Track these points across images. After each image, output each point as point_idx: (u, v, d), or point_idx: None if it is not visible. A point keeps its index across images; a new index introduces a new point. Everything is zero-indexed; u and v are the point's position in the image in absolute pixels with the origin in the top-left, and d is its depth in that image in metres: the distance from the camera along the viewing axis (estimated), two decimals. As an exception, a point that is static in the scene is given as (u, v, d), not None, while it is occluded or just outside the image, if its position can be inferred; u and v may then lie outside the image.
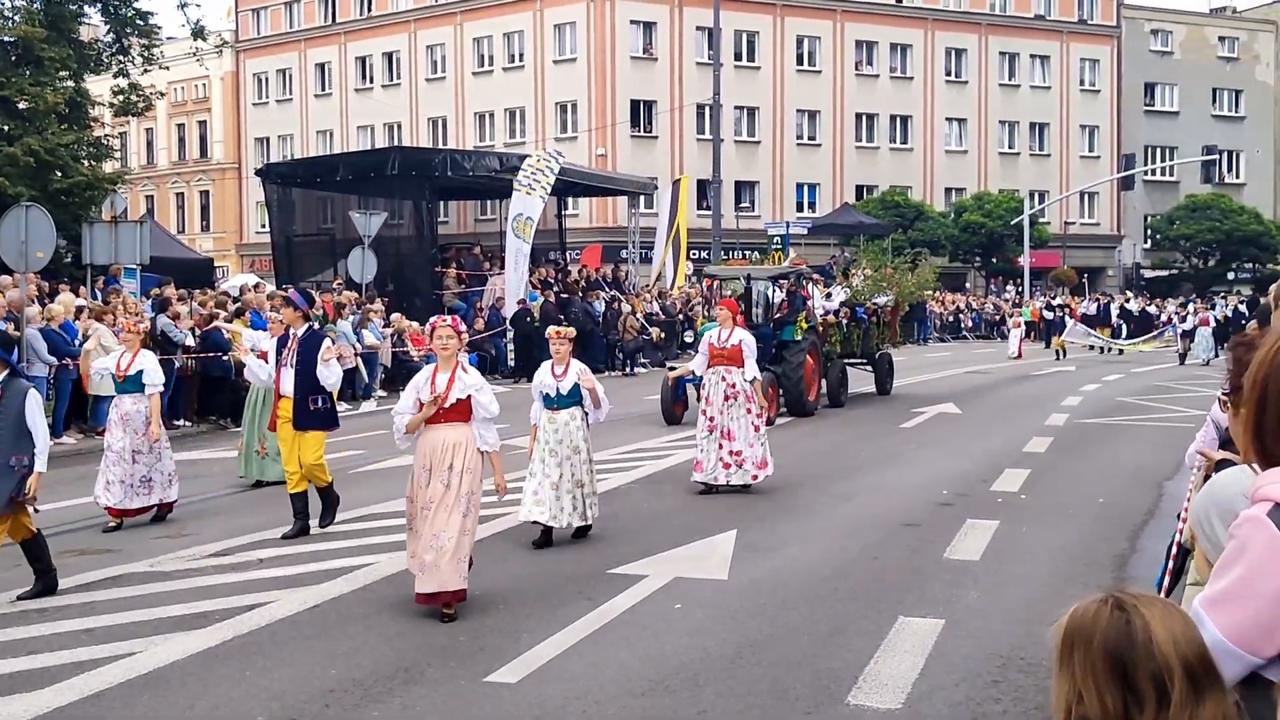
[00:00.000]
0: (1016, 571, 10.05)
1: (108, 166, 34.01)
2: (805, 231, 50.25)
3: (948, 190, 64.17)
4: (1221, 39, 71.66)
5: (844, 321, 24.46)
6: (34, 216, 18.58)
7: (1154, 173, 67.30)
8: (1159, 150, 68.64)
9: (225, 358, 21.19)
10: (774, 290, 22.78)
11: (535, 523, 10.86)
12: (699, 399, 14.50)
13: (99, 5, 31.98)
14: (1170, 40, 70.28)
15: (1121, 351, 43.24)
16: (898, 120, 63.46)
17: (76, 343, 19.09)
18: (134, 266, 24.27)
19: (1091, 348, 43.47)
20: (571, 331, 11.57)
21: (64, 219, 24.76)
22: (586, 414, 11.12)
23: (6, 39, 29.47)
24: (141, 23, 32.53)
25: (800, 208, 60.10)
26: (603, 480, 13.47)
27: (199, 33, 34.09)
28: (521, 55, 59.46)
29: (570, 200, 48.19)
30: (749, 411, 13.84)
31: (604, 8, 56.71)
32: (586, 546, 10.94)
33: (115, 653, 7.71)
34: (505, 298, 32.68)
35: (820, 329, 23.10)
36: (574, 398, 11.01)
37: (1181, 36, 70.55)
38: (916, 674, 7.33)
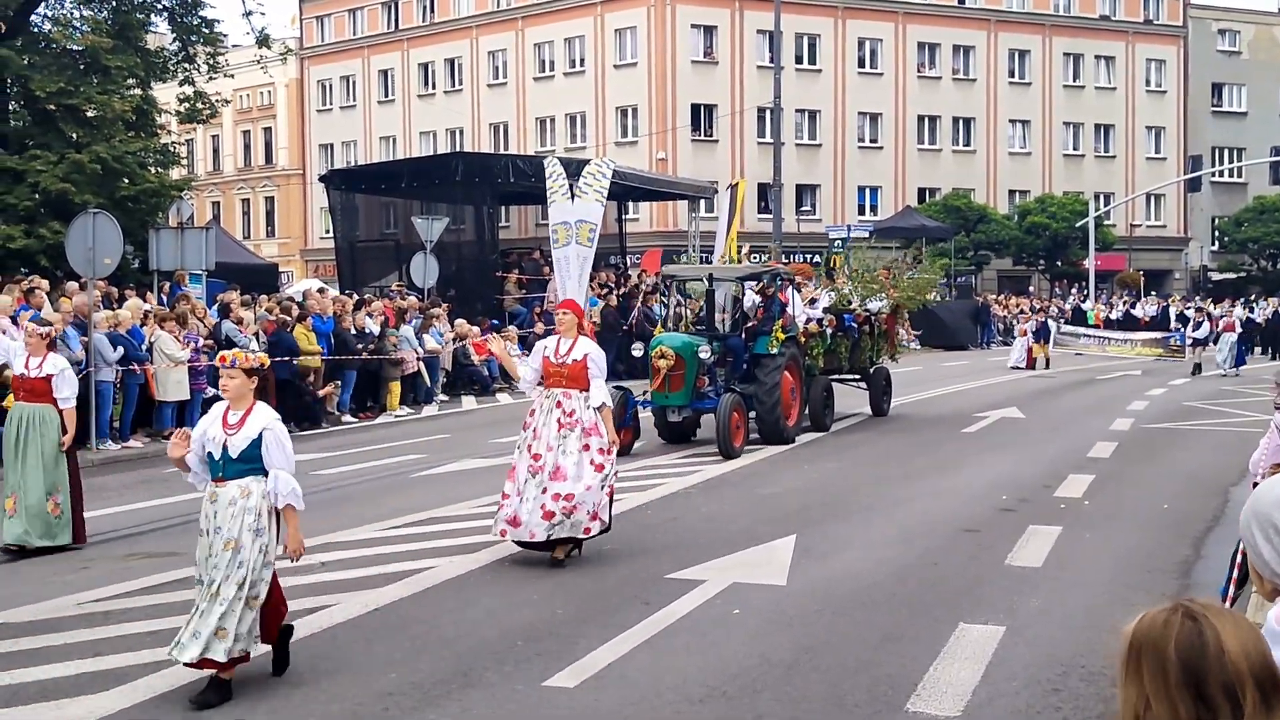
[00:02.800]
0: (1079, 578, 9.94)
1: (174, 173, 34.46)
2: (867, 235, 49.89)
3: (1011, 193, 63.65)
4: (1291, 38, 70.68)
5: (829, 331, 20.69)
6: (101, 223, 18.81)
7: (1221, 174, 66.41)
8: (1226, 151, 67.69)
9: (294, 362, 21.37)
10: (744, 293, 20.24)
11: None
12: (531, 429, 10.64)
13: (166, 14, 32.39)
14: (1238, 40, 69.31)
15: (1106, 348, 40.07)
16: (960, 122, 63.02)
17: (143, 348, 19.33)
18: (200, 272, 24.56)
19: (1079, 354, 39.85)
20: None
21: (131, 225, 25.09)
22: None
23: (74, 48, 29.91)
24: (207, 31, 32.90)
25: (862, 211, 59.85)
26: (657, 486, 13.47)
27: (264, 40, 34.44)
28: (582, 60, 59.62)
29: (630, 205, 48.22)
30: (586, 448, 10.44)
31: (664, 12, 56.75)
32: (644, 551, 10.94)
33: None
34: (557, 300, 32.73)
35: (801, 339, 19.67)
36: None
37: (1250, 36, 69.56)
38: (977, 681, 7.28)
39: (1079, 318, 52.01)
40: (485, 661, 7.71)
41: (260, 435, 7.19)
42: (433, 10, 65.25)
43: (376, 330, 24.39)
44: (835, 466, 16.29)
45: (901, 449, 18.09)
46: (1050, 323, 38.85)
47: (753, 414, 17.97)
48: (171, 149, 33.97)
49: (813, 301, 21.84)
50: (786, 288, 19.99)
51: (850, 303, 21.66)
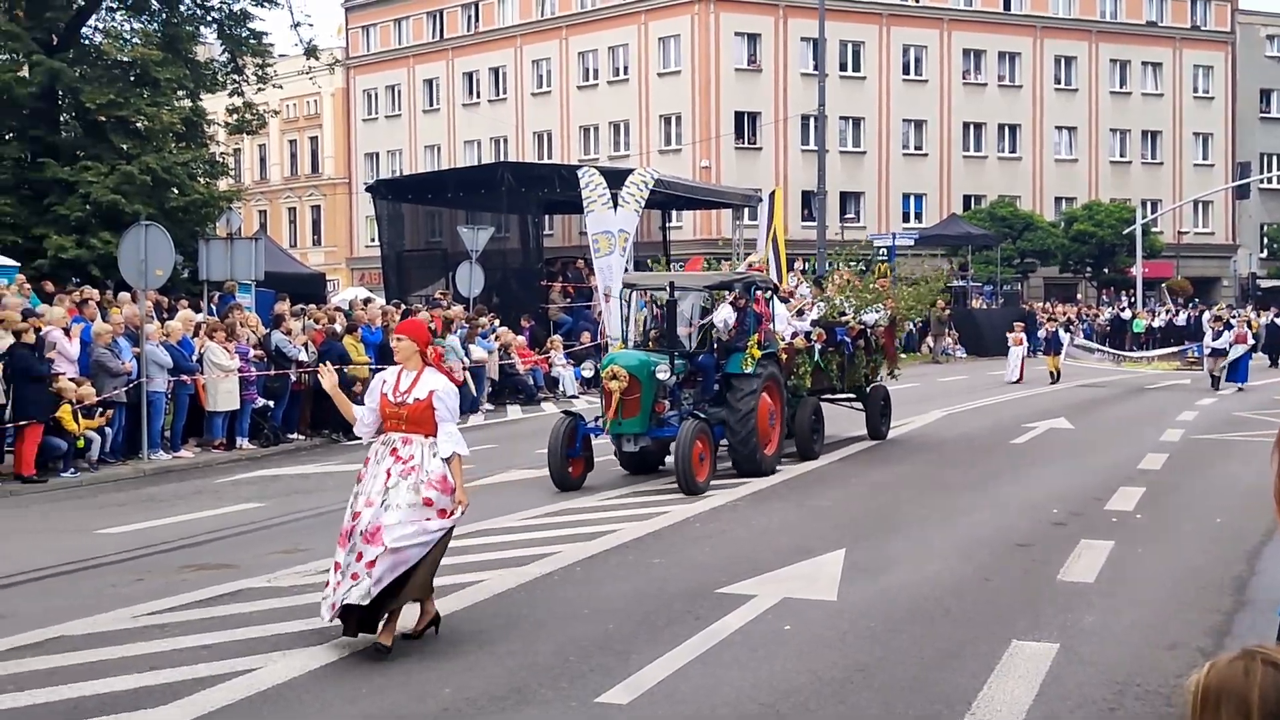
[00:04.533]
0: (1133, 594, 9.87)
1: (223, 184, 34.79)
2: (911, 243, 49.85)
3: (1057, 199, 63.32)
4: (1341, 43, 69.98)
5: (817, 345, 18.61)
6: (153, 235, 19.00)
7: (1270, 181, 65.80)
8: (1275, 158, 67.11)
9: (345, 370, 21.49)
10: (713, 304, 17.35)
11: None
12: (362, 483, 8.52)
13: (215, 26, 32.71)
14: (1287, 45, 68.76)
15: (1121, 364, 37.46)
16: (1006, 129, 62.74)
17: (194, 358, 19.51)
18: (249, 282, 24.76)
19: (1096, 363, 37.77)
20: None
21: (180, 236, 25.32)
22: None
23: (124, 60, 30.24)
24: (255, 42, 33.21)
25: (906, 218, 59.70)
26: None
27: (311, 51, 34.72)
28: (626, 68, 59.75)
29: (673, 213, 48.24)
30: (428, 503, 8.25)
31: (708, 20, 56.78)
32: (693, 565, 10.94)
33: (234, 669, 7.85)
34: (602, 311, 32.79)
35: (783, 356, 17.40)
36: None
37: (1299, 41, 68.99)
38: (1031, 700, 7.23)
39: (1118, 328, 51.33)
40: (539, 677, 7.73)
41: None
42: (477, 19, 65.56)
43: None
44: (884, 479, 16.23)
45: (951, 461, 18.00)
46: (1062, 333, 36.52)
47: (725, 442, 16.07)
48: (220, 159, 34.29)
49: (800, 313, 19.40)
50: (766, 298, 17.33)
51: (843, 314, 19.77)
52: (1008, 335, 34.88)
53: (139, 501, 15.53)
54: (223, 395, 19.68)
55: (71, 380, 17.56)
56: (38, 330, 17.29)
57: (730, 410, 15.91)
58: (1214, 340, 31.99)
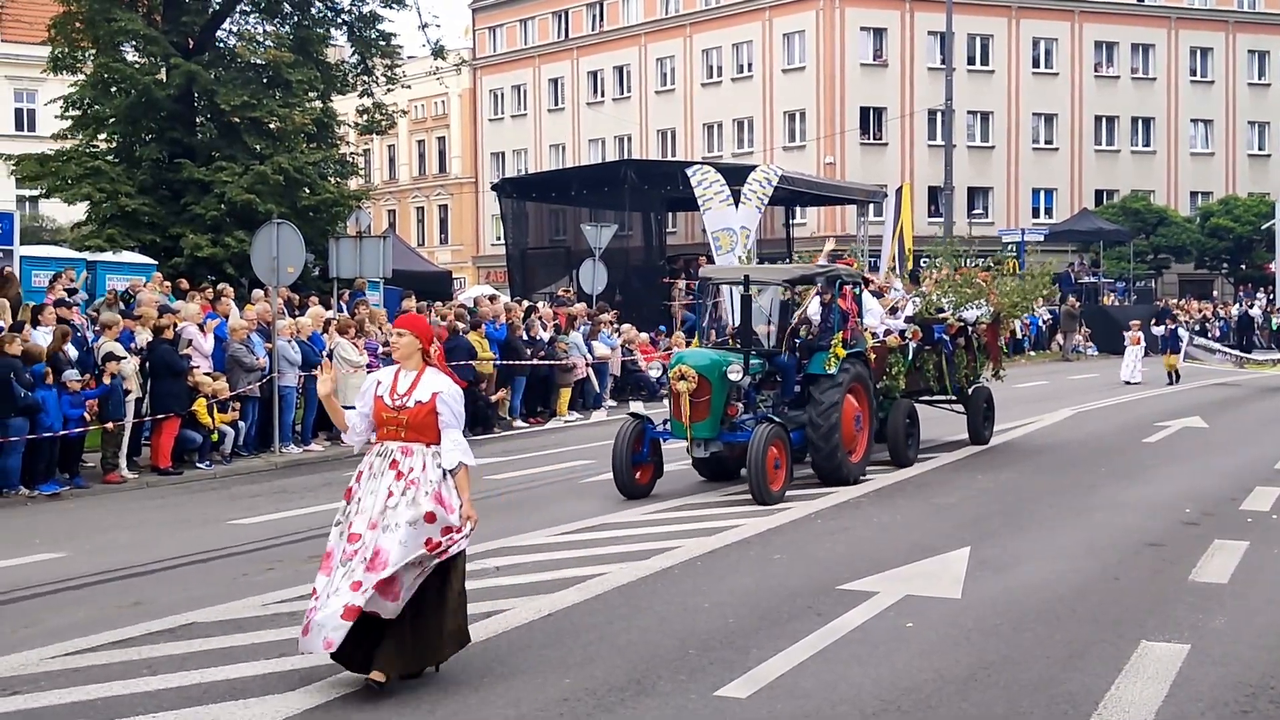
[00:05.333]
0: (1267, 596, 9.60)
1: (352, 183, 35.39)
2: (1042, 238, 49.03)
3: (1193, 194, 61.81)
4: None
5: (912, 344, 17.48)
6: (285, 233, 19.38)
7: None
8: None
9: (473, 364, 21.75)
10: (794, 299, 16.47)
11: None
12: (355, 499, 7.60)
13: (345, 29, 33.27)
14: None
15: (1243, 365, 34.39)
16: (1139, 122, 61.42)
17: (323, 354, 19.87)
18: (377, 280, 25.15)
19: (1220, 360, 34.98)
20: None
21: (311, 234, 25.80)
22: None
23: (258, 63, 30.89)
24: (384, 44, 33.70)
25: (1036, 214, 58.74)
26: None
27: (439, 52, 35.13)
28: (750, 65, 59.62)
29: (798, 210, 47.98)
30: (430, 518, 7.26)
31: (833, 15, 56.40)
32: (815, 561, 10.89)
33: (360, 656, 7.99)
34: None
35: (872, 356, 16.39)
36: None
37: None
38: (1160, 701, 7.09)
39: (1245, 326, 49.29)
40: (659, 670, 7.75)
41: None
42: (602, 18, 65.90)
43: (547, 337, 24.69)
44: (1012, 476, 15.98)
45: (1081, 459, 17.66)
46: (1182, 331, 34.06)
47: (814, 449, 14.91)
48: (350, 159, 34.88)
49: (894, 310, 18.43)
50: (851, 292, 15.94)
51: (941, 311, 18.64)
52: (1124, 334, 32.96)
53: (270, 493, 15.89)
54: (352, 390, 19.97)
55: (206, 375, 18.00)
56: (174, 326, 17.75)
57: (811, 413, 14.80)
58: None
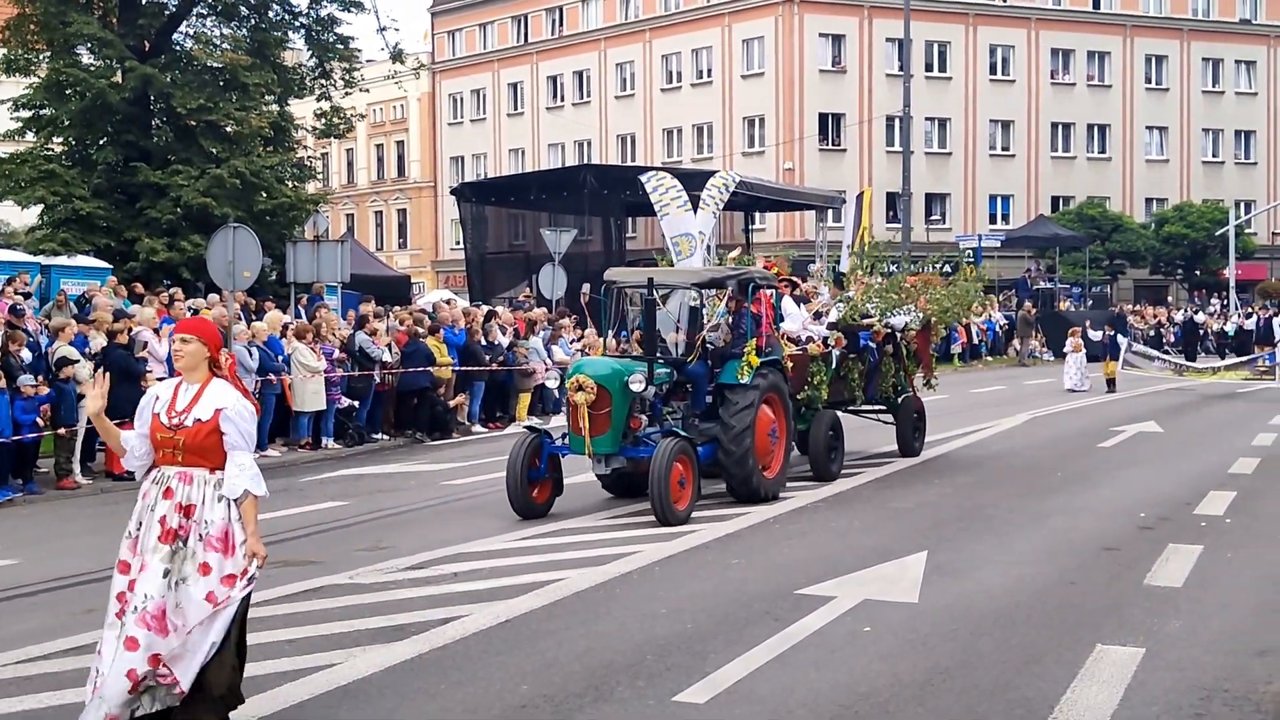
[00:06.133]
0: (1221, 600, 9.68)
1: (310, 187, 35.26)
2: (998, 244, 49.39)
3: (1148, 201, 62.43)
4: None
5: (835, 352, 16.42)
6: (241, 237, 19.28)
7: (1369, 180, 64.38)
8: (1374, 157, 65.65)
9: (430, 371, 21.68)
10: (703, 302, 15.81)
11: None
12: (130, 538, 6.48)
13: (303, 32, 33.15)
14: (1387, 42, 67.22)
15: (1183, 373, 33.41)
16: (1095, 129, 61.98)
17: (280, 359, 19.76)
18: (335, 284, 25.02)
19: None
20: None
21: (268, 238, 25.68)
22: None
23: (214, 66, 30.73)
24: (342, 47, 33.61)
25: (993, 219, 59.19)
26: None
27: (397, 56, 35.07)
28: (709, 71, 59.75)
29: (757, 215, 48.12)
30: (206, 569, 6.27)
31: (792, 22, 56.61)
32: (773, 565, 10.90)
33: (316, 664, 7.94)
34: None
35: (790, 364, 15.22)
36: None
37: (1399, 37, 67.41)
38: (1115, 705, 7.12)
39: (1191, 332, 48.79)
40: (617, 675, 7.74)
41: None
42: (561, 23, 65.92)
43: (506, 342, 24.64)
44: (969, 481, 16.05)
45: (1037, 464, 17.76)
46: (1120, 339, 33.10)
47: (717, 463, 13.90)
48: (307, 163, 34.75)
49: (818, 315, 17.09)
50: (767, 296, 15.06)
51: (866, 316, 17.49)
52: (1067, 340, 32.01)
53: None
54: (309, 395, 19.91)
55: (161, 380, 17.83)
56: (129, 331, 17.60)
57: (722, 426, 13.74)
58: None
